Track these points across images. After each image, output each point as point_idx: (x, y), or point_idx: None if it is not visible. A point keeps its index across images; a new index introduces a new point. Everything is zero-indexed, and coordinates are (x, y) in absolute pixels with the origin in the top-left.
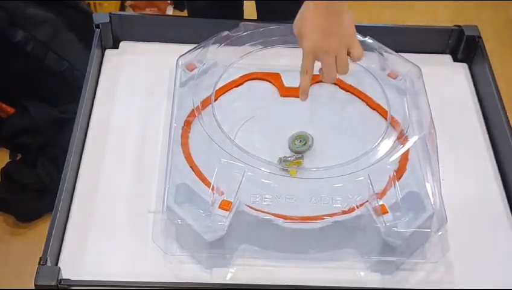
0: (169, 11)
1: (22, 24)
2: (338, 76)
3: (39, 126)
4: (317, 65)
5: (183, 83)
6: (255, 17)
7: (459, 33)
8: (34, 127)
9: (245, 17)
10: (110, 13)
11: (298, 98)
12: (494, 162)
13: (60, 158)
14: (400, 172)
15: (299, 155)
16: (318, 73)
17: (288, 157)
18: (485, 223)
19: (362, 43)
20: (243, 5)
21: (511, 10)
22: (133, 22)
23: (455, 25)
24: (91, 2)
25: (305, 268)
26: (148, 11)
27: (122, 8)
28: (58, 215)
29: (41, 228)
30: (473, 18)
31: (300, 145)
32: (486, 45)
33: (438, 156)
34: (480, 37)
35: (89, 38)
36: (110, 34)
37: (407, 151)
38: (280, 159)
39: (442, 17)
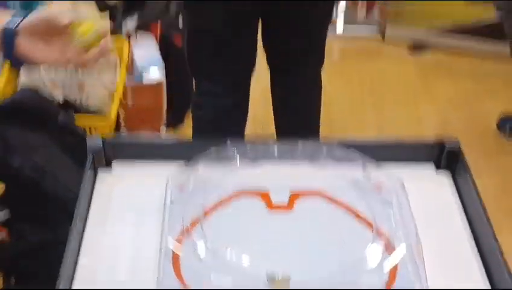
0: (163, 129)
1: (18, 149)
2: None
3: (34, 250)
4: None
5: (174, 202)
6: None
7: (441, 147)
8: (30, 251)
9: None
10: (103, 138)
11: (287, 214)
12: (483, 270)
13: (54, 282)
14: (389, 283)
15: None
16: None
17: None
18: None
19: (346, 156)
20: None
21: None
22: (125, 144)
23: (437, 139)
24: (86, 126)
25: None
26: (142, 130)
27: (117, 126)
28: None
29: None
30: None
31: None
32: (468, 153)
33: (424, 266)
34: (461, 150)
35: (83, 160)
36: (103, 156)
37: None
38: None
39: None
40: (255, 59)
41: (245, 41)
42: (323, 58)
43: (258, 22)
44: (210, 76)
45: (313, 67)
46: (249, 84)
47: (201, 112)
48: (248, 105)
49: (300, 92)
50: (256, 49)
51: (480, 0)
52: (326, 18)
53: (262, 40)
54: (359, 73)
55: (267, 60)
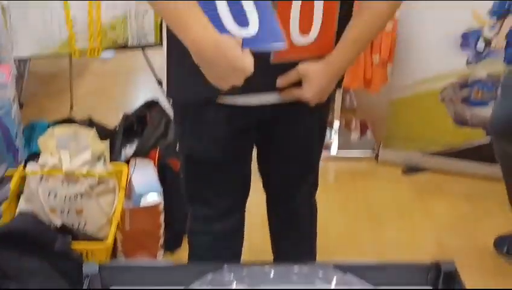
0: (160, 254)
1: (14, 276)
2: None
3: None
4: None
5: None
6: None
7: (437, 269)
8: None
9: None
10: (99, 264)
11: None
12: None
13: None
14: None
15: None
16: None
17: None
18: None
19: (342, 279)
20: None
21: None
22: (122, 269)
23: (433, 262)
24: (83, 250)
25: None
26: (139, 255)
27: (114, 251)
28: None
29: None
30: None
31: None
32: (466, 275)
33: None
34: (457, 272)
35: (80, 285)
36: (99, 282)
37: None
38: None
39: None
40: (250, 185)
41: (241, 168)
42: (317, 183)
43: (252, 149)
44: (205, 202)
45: (307, 193)
46: (244, 209)
47: (197, 238)
48: (243, 229)
49: (296, 217)
50: (250, 175)
51: (469, 126)
52: (320, 143)
53: (258, 167)
54: (354, 194)
55: (263, 185)
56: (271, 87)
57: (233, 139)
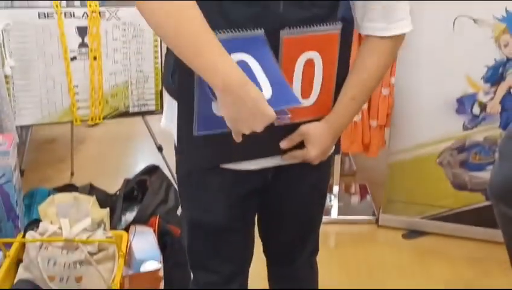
0: None
1: None
2: None
3: None
4: None
5: None
6: None
7: None
8: None
9: None
10: None
11: None
12: None
13: None
14: None
15: None
16: None
17: None
18: None
19: None
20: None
21: None
22: None
23: None
24: None
25: None
26: None
27: None
28: None
29: None
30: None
31: None
32: None
33: None
34: None
35: None
36: None
37: None
38: None
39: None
40: (253, 249)
41: (244, 233)
42: (318, 246)
43: (255, 213)
44: (207, 268)
45: (308, 255)
46: (247, 273)
47: None
48: None
49: (297, 280)
50: (253, 239)
51: (468, 190)
52: (320, 204)
53: (258, 231)
54: (355, 259)
55: (263, 250)
56: (272, 151)
57: (236, 204)
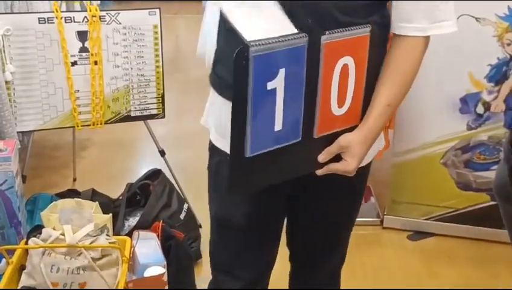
0: None
1: None
2: None
3: None
4: None
5: None
6: None
7: None
8: None
9: None
10: None
11: None
12: None
13: None
14: None
15: None
16: None
17: None
18: None
19: None
20: None
21: None
22: None
23: None
24: None
25: None
26: None
27: None
28: None
29: None
30: None
31: None
32: None
33: None
34: None
35: None
36: None
37: None
38: None
39: None
40: (276, 256)
41: (268, 239)
42: (345, 256)
43: (283, 220)
44: (231, 272)
45: (334, 266)
46: (267, 281)
47: None
48: None
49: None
50: (278, 246)
51: (473, 190)
52: (352, 212)
53: (286, 238)
54: (361, 260)
55: (289, 257)
56: (311, 166)
57: (260, 207)
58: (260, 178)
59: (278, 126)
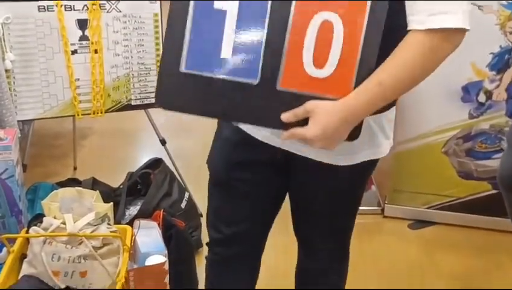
0: None
1: None
2: None
3: None
4: None
5: None
6: None
7: None
8: None
9: None
10: None
11: None
12: None
13: None
14: None
15: None
16: None
17: None
18: None
19: None
20: None
21: None
22: None
23: None
24: None
25: None
26: None
27: None
28: None
29: None
30: None
31: None
32: None
33: None
34: None
35: None
36: None
37: None
38: None
39: None
40: (264, 229)
41: (254, 197)
42: (347, 250)
43: (268, 191)
44: (214, 226)
45: (334, 255)
46: (259, 241)
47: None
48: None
49: (321, 277)
50: (272, 213)
51: (474, 179)
52: (351, 204)
53: (293, 224)
54: (361, 249)
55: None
56: (273, 123)
57: (238, 163)
58: (197, 103)
59: (226, 54)
